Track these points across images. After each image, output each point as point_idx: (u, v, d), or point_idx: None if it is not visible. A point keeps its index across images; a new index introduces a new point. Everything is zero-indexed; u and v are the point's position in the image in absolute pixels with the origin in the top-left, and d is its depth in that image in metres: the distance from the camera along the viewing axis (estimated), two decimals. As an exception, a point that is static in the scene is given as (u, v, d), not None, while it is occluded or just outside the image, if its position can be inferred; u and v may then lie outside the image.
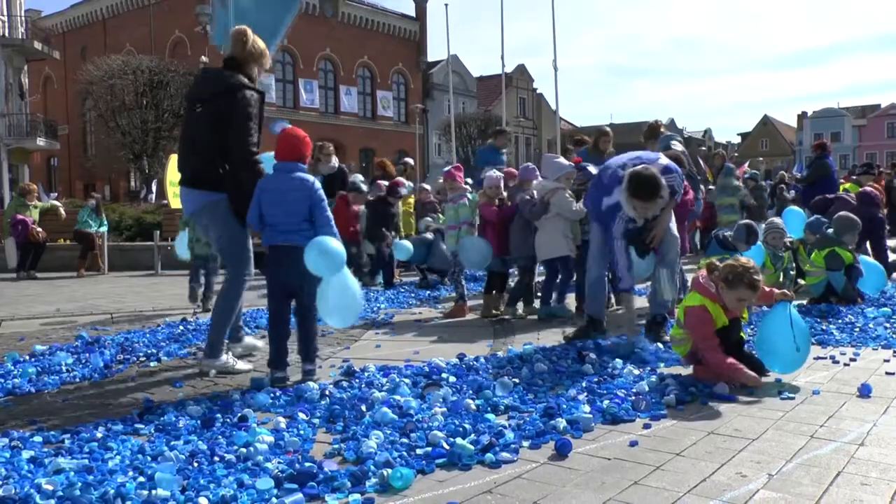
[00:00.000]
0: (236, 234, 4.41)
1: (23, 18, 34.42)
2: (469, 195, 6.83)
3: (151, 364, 4.65)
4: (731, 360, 3.70)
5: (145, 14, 40.82)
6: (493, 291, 6.63)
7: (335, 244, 3.84)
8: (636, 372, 3.93)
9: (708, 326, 3.75)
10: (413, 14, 51.51)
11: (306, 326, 4.20)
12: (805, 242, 7.06)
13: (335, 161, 9.71)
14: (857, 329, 5.12)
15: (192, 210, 4.49)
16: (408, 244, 8.31)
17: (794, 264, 7.03)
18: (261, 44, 4.53)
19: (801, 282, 7.04)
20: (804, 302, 6.25)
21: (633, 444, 2.85)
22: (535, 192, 6.23)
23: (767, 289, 4.01)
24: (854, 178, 12.02)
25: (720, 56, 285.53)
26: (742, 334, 4.00)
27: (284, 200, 4.05)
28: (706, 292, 3.78)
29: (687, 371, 3.96)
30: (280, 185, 4.08)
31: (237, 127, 4.24)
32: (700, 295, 3.79)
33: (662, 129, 7.77)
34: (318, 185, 4.18)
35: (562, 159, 6.54)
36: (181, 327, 5.92)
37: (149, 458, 2.75)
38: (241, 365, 4.47)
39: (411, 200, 11.23)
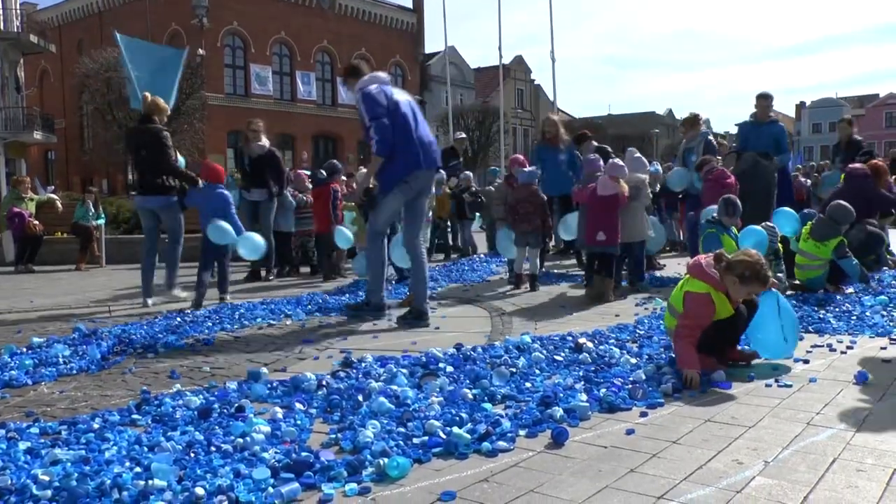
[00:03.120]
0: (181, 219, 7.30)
1: (18, 12, 34.28)
2: None
3: (148, 355, 4.65)
4: (692, 356, 3.59)
5: (141, 7, 40.61)
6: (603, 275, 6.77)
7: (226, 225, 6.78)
8: (633, 361, 3.93)
9: (704, 317, 3.70)
10: (410, 6, 51.35)
11: (223, 270, 7.24)
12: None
13: (265, 141, 9.31)
14: (854, 317, 5.13)
15: (158, 206, 7.09)
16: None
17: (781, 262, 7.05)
18: (160, 102, 7.21)
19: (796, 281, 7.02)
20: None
21: (630, 432, 2.86)
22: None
23: None
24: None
25: (718, 47, 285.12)
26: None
27: (211, 204, 6.94)
28: (712, 281, 3.72)
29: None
30: (210, 195, 7.02)
31: (167, 155, 7.01)
32: (705, 283, 3.74)
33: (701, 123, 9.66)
34: (230, 197, 7.21)
35: (643, 158, 7.71)
36: (178, 319, 5.92)
37: (145, 449, 2.74)
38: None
39: None
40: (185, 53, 9.48)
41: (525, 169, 7.81)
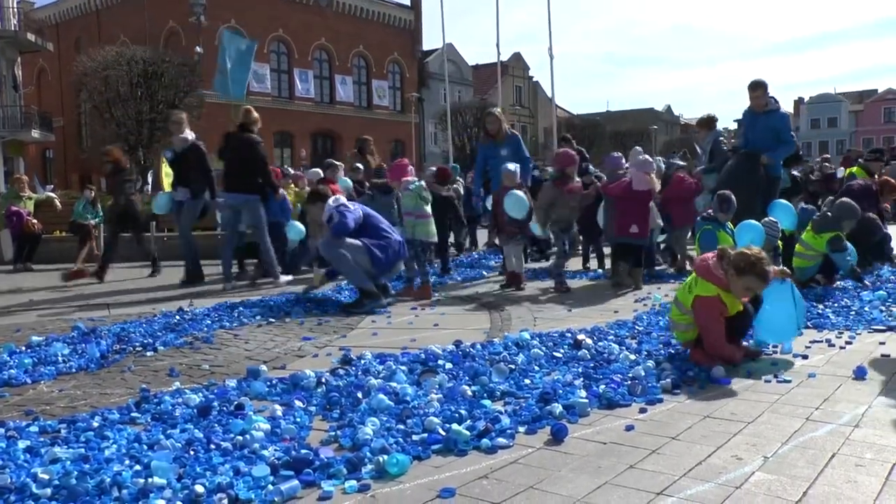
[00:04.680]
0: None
1: (15, 10, 34.13)
2: (411, 186, 7.16)
3: (148, 353, 4.65)
4: (731, 349, 3.81)
5: (139, 4, 40.50)
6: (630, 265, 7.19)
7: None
8: (632, 357, 3.93)
9: (721, 321, 3.78)
10: (408, 3, 51.26)
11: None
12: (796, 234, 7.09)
13: (189, 133, 8.63)
14: (853, 312, 5.13)
15: (241, 202, 8.04)
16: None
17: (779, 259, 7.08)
18: (255, 114, 8.21)
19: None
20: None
21: (629, 428, 2.86)
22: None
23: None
24: (861, 161, 12.04)
25: (717, 43, 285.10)
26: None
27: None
28: (719, 281, 3.76)
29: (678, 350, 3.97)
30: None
31: (264, 162, 8.21)
32: (713, 285, 3.77)
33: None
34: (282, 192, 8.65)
35: (646, 156, 7.95)
36: (177, 317, 5.91)
37: (145, 447, 2.75)
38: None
39: (293, 188, 10.45)
40: (255, 45, 9.90)
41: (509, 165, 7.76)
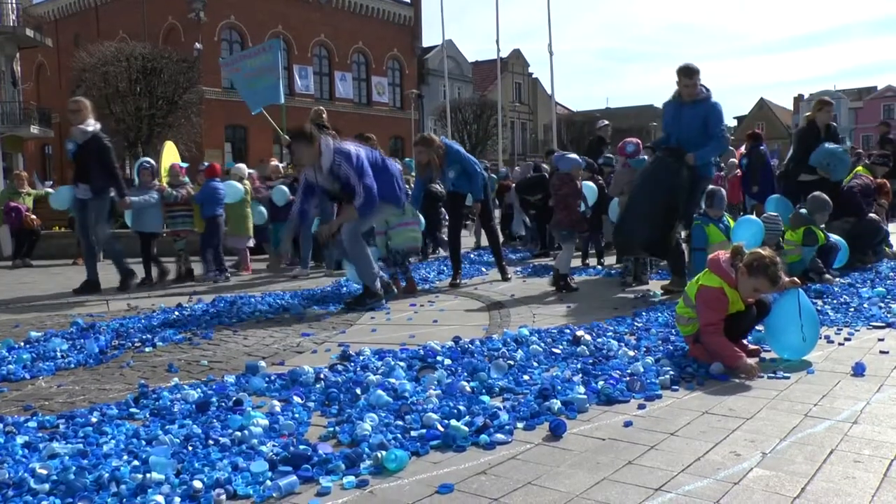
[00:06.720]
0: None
1: (14, 6, 34.09)
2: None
3: (146, 349, 4.65)
4: (732, 346, 3.69)
5: (138, 1, 40.47)
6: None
7: None
8: (631, 353, 3.93)
9: (720, 311, 3.72)
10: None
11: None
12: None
13: (91, 123, 7.67)
14: (852, 309, 5.13)
15: None
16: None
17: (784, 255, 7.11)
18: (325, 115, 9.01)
19: None
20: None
21: (628, 424, 2.86)
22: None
23: None
24: (867, 162, 12.10)
25: (716, 40, 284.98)
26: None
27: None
28: (727, 277, 3.74)
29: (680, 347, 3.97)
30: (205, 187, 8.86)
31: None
32: (720, 278, 3.75)
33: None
34: (216, 188, 8.67)
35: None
36: (176, 313, 5.91)
37: (143, 443, 2.74)
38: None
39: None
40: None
41: (569, 155, 7.33)
